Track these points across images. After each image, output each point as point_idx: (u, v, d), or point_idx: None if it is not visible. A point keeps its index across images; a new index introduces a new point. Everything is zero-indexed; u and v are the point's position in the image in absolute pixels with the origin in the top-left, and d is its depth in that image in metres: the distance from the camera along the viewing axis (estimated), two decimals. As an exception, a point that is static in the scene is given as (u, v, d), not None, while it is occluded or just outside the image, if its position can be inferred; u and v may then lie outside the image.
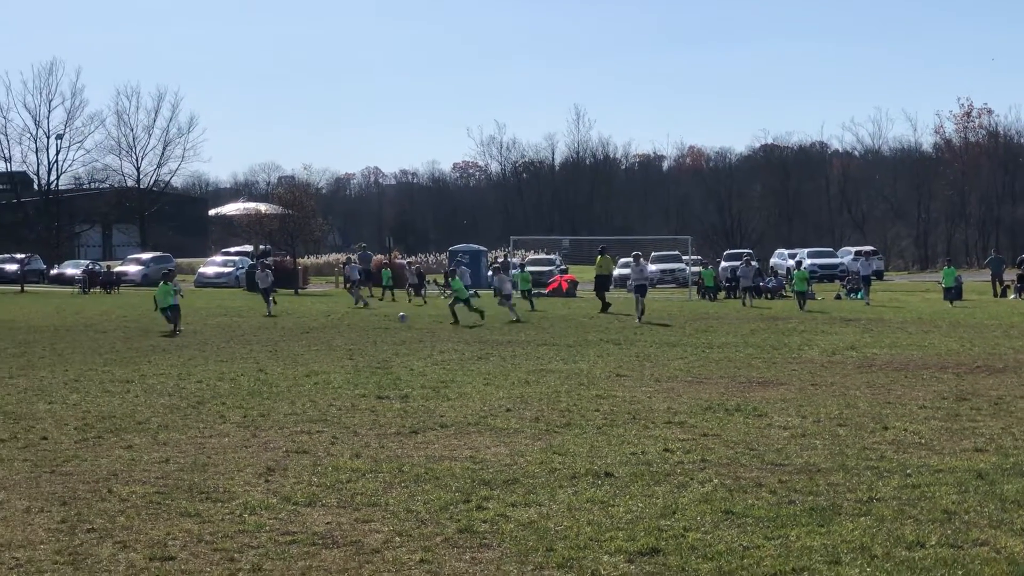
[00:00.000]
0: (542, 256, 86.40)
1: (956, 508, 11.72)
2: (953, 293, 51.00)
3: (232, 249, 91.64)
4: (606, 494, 12.51)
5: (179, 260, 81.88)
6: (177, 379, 23.46)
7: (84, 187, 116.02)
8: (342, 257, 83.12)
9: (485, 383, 22.31)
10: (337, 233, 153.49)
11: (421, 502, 12.27)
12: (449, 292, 44.31)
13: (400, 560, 10.17)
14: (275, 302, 46.41)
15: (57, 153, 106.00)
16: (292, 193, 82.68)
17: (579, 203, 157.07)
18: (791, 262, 71.78)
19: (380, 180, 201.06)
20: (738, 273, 55.06)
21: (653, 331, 35.09)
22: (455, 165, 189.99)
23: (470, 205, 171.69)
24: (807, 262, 74.70)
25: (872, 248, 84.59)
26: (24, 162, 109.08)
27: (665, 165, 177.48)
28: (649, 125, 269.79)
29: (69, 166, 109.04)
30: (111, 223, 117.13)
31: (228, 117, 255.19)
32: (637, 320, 39.00)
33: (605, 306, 45.56)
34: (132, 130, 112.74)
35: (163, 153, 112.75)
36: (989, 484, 12.77)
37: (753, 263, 56.16)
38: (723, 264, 71.28)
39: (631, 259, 45.99)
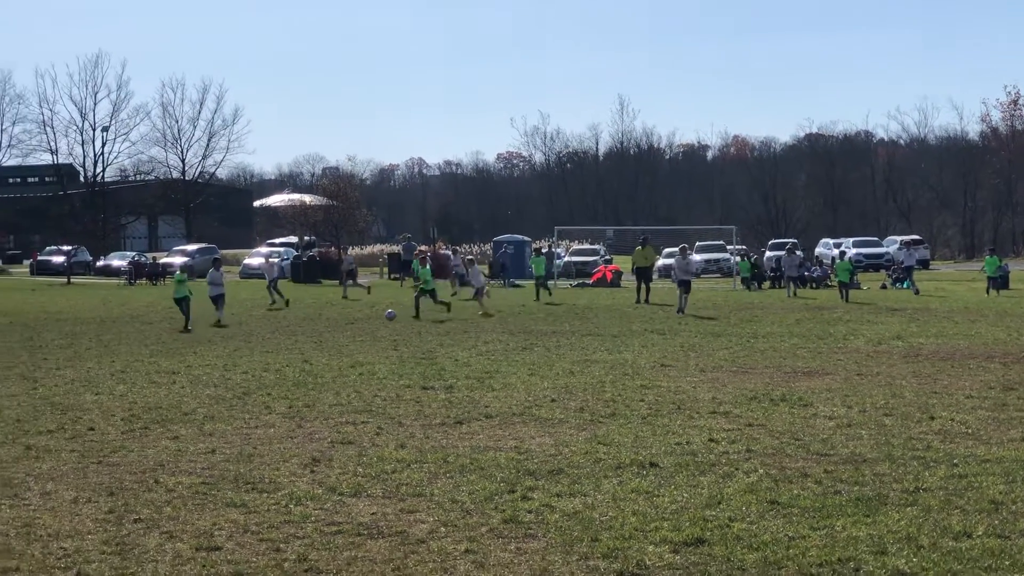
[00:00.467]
0: (586, 246, 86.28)
1: (1003, 498, 11.66)
2: (999, 282, 50.50)
3: (277, 240, 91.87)
4: (651, 484, 12.50)
5: (224, 251, 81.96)
6: (223, 370, 23.56)
7: (130, 179, 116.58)
8: (386, 248, 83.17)
9: (530, 373, 22.30)
10: (381, 224, 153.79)
11: (466, 492, 12.28)
12: (496, 281, 43.85)
13: (445, 550, 10.19)
14: (279, 296, 45.83)
15: (103, 145, 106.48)
16: (336, 184, 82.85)
17: (623, 193, 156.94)
18: (835, 252, 71.42)
19: (424, 171, 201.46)
20: (781, 263, 54.74)
21: (697, 321, 34.99)
22: (499, 155, 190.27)
23: (514, 195, 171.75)
24: (852, 251, 74.29)
25: (917, 237, 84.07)
26: (70, 154, 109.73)
27: (709, 155, 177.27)
28: (693, 115, 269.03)
29: (115, 158, 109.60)
30: (156, 215, 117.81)
31: (272, 109, 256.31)
32: (678, 311, 38.36)
33: (643, 297, 45.18)
34: (177, 122, 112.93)
35: (208, 145, 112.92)
36: (1037, 474, 12.71)
37: (797, 252, 55.85)
38: (768, 254, 71.00)
39: (678, 250, 44.94)
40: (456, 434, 15.84)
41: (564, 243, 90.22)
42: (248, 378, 22.21)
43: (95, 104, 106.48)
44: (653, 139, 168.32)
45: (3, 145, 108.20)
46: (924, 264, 73.17)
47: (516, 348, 27.41)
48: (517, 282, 62.48)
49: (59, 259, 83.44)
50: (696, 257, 64.14)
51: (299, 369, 23.53)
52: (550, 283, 51.00)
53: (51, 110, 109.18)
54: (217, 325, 34.69)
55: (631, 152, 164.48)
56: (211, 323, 35.05)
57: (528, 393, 19.63)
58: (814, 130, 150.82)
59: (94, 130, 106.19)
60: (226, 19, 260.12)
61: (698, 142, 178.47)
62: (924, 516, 11.00)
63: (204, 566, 9.84)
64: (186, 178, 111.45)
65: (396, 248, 67.61)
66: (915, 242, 73.87)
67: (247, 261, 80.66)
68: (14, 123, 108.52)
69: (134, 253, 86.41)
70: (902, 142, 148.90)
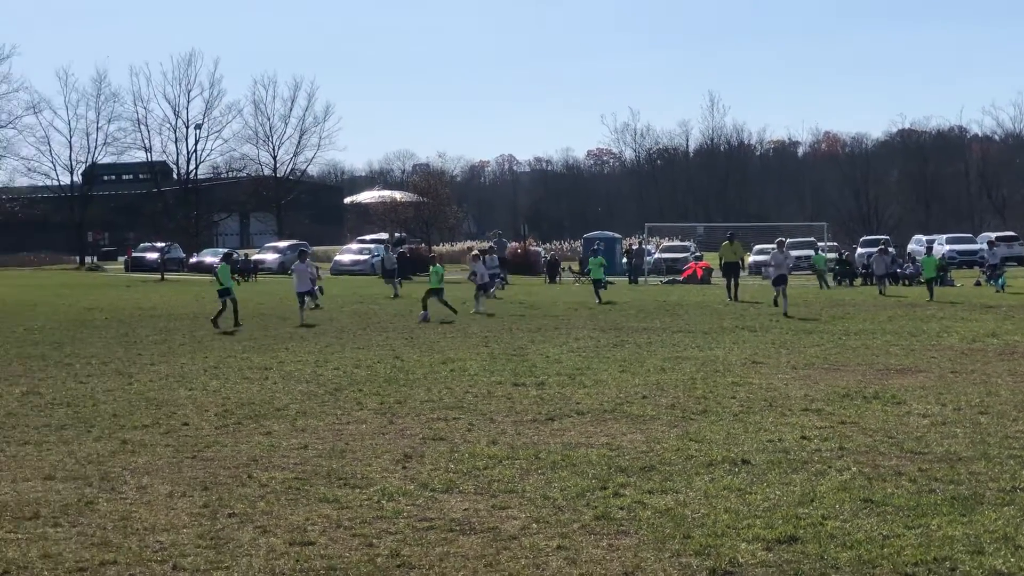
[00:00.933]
0: (676, 243, 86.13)
1: (1102, 498, 11.51)
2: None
3: (367, 237, 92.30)
4: (743, 482, 12.45)
5: (315, 248, 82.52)
6: (314, 366, 23.71)
7: (222, 176, 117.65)
8: (476, 245, 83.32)
9: (621, 370, 22.28)
10: (472, 221, 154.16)
11: (558, 489, 12.28)
12: (585, 278, 43.45)
13: (537, 546, 10.19)
14: (401, 285, 46.21)
15: (196, 143, 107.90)
16: (427, 181, 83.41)
17: (713, 190, 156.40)
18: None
19: (515, 168, 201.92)
20: (870, 261, 54.18)
21: (789, 318, 34.75)
22: (589, 152, 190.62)
23: (604, 192, 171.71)
24: (945, 248, 73.57)
25: (1012, 233, 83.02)
26: (164, 152, 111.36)
27: (800, 151, 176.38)
28: (784, 111, 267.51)
29: (207, 155, 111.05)
30: (248, 212, 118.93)
31: (363, 106, 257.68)
32: (783, 314, 36.08)
33: (733, 294, 44.91)
34: (269, 119, 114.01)
35: (299, 142, 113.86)
36: None
37: (889, 250, 55.30)
38: (859, 251, 70.41)
39: (775, 245, 43.97)
40: (548, 430, 15.85)
41: (655, 240, 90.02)
42: (340, 374, 22.33)
43: (188, 102, 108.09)
44: (743, 135, 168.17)
45: (99, 143, 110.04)
46: (1021, 261, 72.05)
47: (607, 345, 27.39)
48: (609, 279, 62.37)
49: (153, 256, 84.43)
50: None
51: (390, 365, 23.63)
52: (609, 282, 50.27)
53: (145, 108, 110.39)
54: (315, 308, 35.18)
55: (721, 149, 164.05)
56: (295, 325, 34.24)
57: (619, 390, 19.60)
58: (907, 126, 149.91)
59: (187, 128, 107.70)
60: (317, 16, 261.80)
61: (789, 138, 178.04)
62: (1022, 516, 10.87)
63: (297, 560, 9.91)
64: (277, 175, 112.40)
65: (488, 244, 67.80)
66: (1012, 238, 72.83)
67: (338, 258, 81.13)
68: (109, 121, 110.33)
69: (226, 250, 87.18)
70: (997, 137, 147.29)
